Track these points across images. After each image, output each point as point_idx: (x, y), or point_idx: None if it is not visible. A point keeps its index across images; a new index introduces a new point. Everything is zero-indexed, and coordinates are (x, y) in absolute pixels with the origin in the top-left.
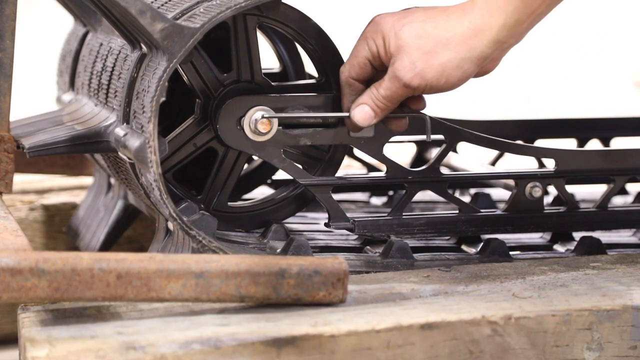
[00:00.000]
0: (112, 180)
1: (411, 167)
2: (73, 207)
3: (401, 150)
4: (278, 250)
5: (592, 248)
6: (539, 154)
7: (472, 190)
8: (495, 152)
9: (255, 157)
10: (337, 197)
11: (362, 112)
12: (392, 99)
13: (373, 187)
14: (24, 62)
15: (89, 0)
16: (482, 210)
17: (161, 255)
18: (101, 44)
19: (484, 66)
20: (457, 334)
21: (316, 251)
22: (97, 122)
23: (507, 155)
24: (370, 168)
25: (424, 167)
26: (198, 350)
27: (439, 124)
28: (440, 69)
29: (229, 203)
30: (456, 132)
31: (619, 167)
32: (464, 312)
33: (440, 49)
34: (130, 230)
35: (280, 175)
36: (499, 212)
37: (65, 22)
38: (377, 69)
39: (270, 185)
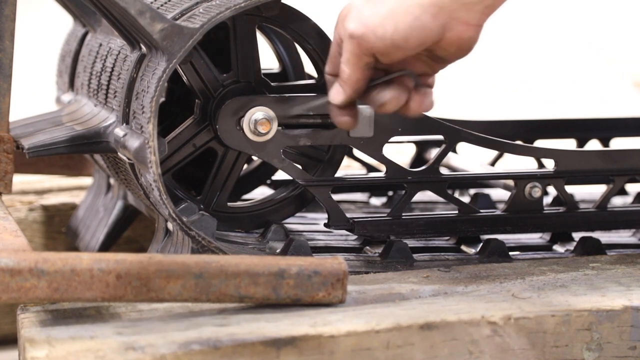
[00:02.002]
0: (112, 181)
1: (411, 167)
2: (72, 207)
3: (401, 151)
4: (277, 251)
5: (591, 248)
6: (539, 154)
7: (472, 191)
8: (494, 153)
9: (254, 157)
10: (336, 197)
11: (334, 89)
12: (349, 62)
13: (372, 187)
14: (24, 62)
15: (89, 0)
16: (481, 211)
17: (160, 255)
18: (101, 45)
19: (447, 25)
20: (456, 334)
21: (316, 251)
22: (96, 122)
23: (506, 155)
24: (370, 168)
25: (423, 167)
26: (197, 351)
27: (438, 124)
28: (388, 14)
29: (228, 203)
30: (455, 132)
31: (618, 168)
32: (463, 312)
33: None
34: (129, 231)
35: (280, 175)
36: (498, 212)
37: (65, 22)
38: None
39: (269, 185)
